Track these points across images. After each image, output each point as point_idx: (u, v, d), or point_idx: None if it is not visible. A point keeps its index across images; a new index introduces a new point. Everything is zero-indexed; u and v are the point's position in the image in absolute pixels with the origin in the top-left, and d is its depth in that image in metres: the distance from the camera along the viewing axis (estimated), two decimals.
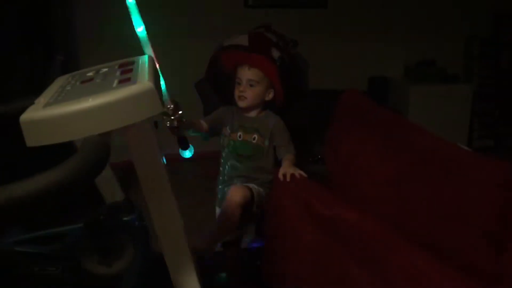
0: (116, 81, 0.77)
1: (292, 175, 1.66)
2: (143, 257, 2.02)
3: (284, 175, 1.69)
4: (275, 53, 2.72)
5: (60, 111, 0.70)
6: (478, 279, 1.08)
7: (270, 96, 1.96)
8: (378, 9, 3.90)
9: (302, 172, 1.69)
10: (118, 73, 0.84)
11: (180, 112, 1.74)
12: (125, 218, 1.91)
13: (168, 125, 1.74)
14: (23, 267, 1.88)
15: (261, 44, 2.64)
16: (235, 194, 1.81)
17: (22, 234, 1.88)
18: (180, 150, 1.91)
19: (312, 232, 1.48)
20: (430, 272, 1.13)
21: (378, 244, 1.26)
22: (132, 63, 0.88)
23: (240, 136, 1.95)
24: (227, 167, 1.99)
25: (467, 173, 1.10)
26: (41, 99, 0.80)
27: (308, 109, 2.78)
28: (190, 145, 1.90)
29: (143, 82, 0.74)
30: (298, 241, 1.58)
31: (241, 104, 1.92)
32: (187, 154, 1.92)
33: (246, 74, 1.91)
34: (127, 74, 0.81)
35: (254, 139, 1.93)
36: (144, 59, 0.90)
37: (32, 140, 0.71)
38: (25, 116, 0.72)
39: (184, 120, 1.77)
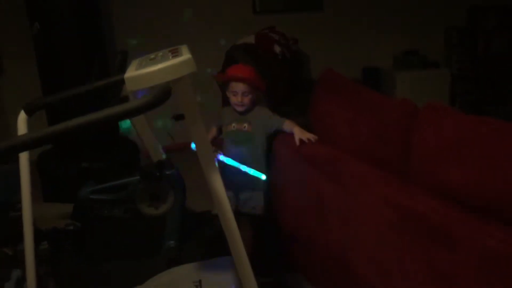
0: (170, 56, 1.45)
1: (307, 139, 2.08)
2: (181, 202, 2.70)
3: (300, 140, 2.09)
4: (277, 48, 3.42)
5: (146, 70, 1.37)
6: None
7: (255, 97, 2.34)
8: (369, 9, 4.53)
9: (314, 136, 2.08)
10: (170, 53, 1.51)
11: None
12: (168, 172, 2.58)
13: None
14: (96, 210, 2.57)
15: (265, 41, 3.33)
16: None
17: (95, 186, 2.57)
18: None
19: (301, 169, 2.14)
20: (370, 175, 1.77)
21: (338, 162, 1.90)
22: (177, 48, 1.56)
23: (234, 127, 2.36)
24: (226, 152, 2.39)
25: (382, 107, 1.76)
26: (129, 70, 1.47)
27: None
28: None
29: (186, 55, 1.42)
30: (292, 178, 2.22)
31: (240, 109, 2.31)
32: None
33: (240, 87, 2.27)
34: (176, 52, 1.48)
35: (244, 127, 2.33)
36: (183, 46, 1.58)
37: (130, 86, 1.38)
38: (127, 75, 1.39)
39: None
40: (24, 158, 1.94)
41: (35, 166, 3.34)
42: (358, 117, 1.92)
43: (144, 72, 1.39)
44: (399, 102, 1.76)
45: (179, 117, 4.65)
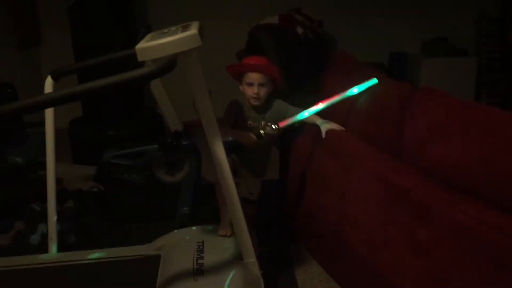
0: (180, 31, 1.58)
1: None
2: (196, 172, 2.85)
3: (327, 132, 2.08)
4: (299, 30, 3.49)
5: (154, 43, 1.51)
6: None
7: (271, 88, 2.22)
8: None
9: (341, 127, 2.08)
10: (180, 28, 1.64)
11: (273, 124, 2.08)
12: (184, 142, 2.73)
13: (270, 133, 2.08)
14: (117, 174, 2.75)
15: (288, 22, 3.40)
16: None
17: (116, 151, 2.76)
18: None
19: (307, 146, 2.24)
20: (365, 153, 1.87)
21: (338, 140, 2.00)
22: (188, 24, 1.68)
23: (250, 124, 2.22)
24: None
25: (381, 88, 1.84)
26: (142, 42, 1.61)
27: None
28: None
29: (192, 30, 1.54)
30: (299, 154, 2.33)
31: (255, 103, 2.19)
32: None
33: (256, 77, 2.16)
34: (186, 28, 1.61)
35: (261, 124, 2.16)
36: (194, 23, 1.70)
37: (141, 56, 1.52)
38: (138, 46, 1.53)
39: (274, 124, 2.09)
40: (49, 121, 2.12)
41: (66, 132, 3.57)
42: (357, 100, 2.01)
43: (152, 44, 1.52)
44: (396, 84, 1.84)
45: None
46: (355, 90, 2.02)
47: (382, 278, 1.72)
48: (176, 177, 2.76)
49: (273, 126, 2.09)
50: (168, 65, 1.45)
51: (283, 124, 2.11)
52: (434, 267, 1.44)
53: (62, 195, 2.92)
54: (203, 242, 2.05)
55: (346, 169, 1.89)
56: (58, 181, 3.03)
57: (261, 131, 2.08)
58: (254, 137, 2.09)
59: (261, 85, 2.17)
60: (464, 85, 4.29)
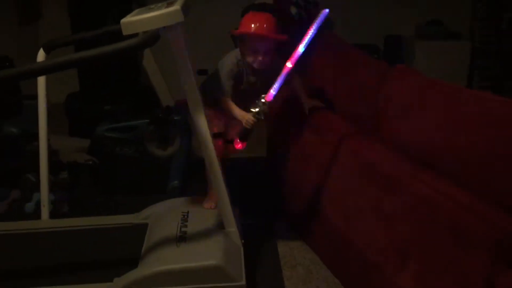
0: (164, 6, 1.65)
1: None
2: (187, 146, 2.94)
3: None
4: (293, 10, 3.53)
5: (138, 17, 1.58)
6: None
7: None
8: None
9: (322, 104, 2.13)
10: (165, 4, 1.70)
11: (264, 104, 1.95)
12: (175, 118, 2.82)
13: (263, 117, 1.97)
14: (110, 147, 2.84)
15: (283, 2, 3.44)
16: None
17: (110, 124, 2.84)
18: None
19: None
20: (342, 129, 1.95)
21: (319, 117, 2.08)
22: (174, 1, 1.74)
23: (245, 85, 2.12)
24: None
25: (360, 68, 1.91)
26: (128, 16, 1.68)
27: None
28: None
29: (175, 6, 1.60)
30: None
31: (261, 67, 2.04)
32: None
33: (263, 45, 2.00)
34: (171, 4, 1.67)
35: (257, 85, 2.09)
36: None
37: (126, 30, 1.59)
38: (123, 20, 1.60)
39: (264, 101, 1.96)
40: (41, 92, 2.20)
41: (63, 106, 3.65)
42: (340, 77, 2.08)
43: (136, 19, 1.60)
44: (373, 63, 1.91)
45: (202, 72, 4.88)
46: (312, 29, 1.94)
47: (353, 248, 1.81)
48: (167, 151, 2.85)
49: (262, 101, 1.97)
50: (149, 39, 1.53)
51: (269, 98, 1.98)
52: (397, 237, 1.53)
53: (57, 166, 3.02)
54: (188, 212, 2.14)
55: (325, 144, 1.97)
56: (54, 153, 3.14)
57: (258, 112, 1.97)
58: (252, 118, 1.98)
59: (267, 53, 2.01)
60: (457, 68, 4.33)
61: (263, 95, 1.97)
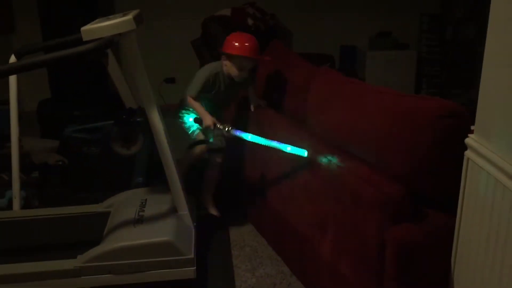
0: (121, 15, 1.92)
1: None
2: (150, 146, 3.19)
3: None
4: (250, 21, 3.84)
5: (95, 26, 1.84)
6: None
7: None
8: None
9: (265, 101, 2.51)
10: (121, 15, 1.97)
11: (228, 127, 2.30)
12: (138, 119, 3.07)
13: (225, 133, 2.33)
14: (77, 147, 3.07)
15: (240, 14, 3.75)
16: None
17: (77, 126, 3.08)
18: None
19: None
20: (278, 123, 2.22)
21: (261, 114, 2.35)
22: (129, 12, 2.01)
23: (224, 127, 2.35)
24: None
25: (297, 71, 2.21)
26: (89, 24, 1.94)
27: None
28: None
29: (128, 16, 1.88)
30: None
31: (240, 80, 2.42)
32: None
33: (251, 64, 2.40)
34: (125, 15, 1.95)
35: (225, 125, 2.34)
36: (134, 11, 2.04)
37: (85, 37, 1.86)
38: (83, 28, 1.87)
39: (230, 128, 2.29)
40: (13, 99, 2.45)
41: (35, 114, 3.88)
42: (281, 80, 2.38)
43: (93, 27, 1.87)
44: (306, 66, 2.21)
45: (169, 80, 5.15)
46: (288, 148, 2.02)
47: (289, 226, 2.09)
48: (131, 150, 3.09)
49: (227, 129, 2.29)
50: (103, 44, 1.80)
51: (233, 133, 2.28)
52: (319, 210, 1.82)
53: (29, 167, 3.25)
54: (146, 199, 2.40)
55: (265, 135, 2.25)
56: (26, 155, 3.36)
57: (219, 125, 2.31)
58: (211, 123, 2.33)
59: (251, 69, 2.41)
60: (405, 76, 4.71)
61: (230, 127, 2.29)
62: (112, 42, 1.83)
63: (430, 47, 4.84)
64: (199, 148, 2.57)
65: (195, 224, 2.30)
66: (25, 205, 2.84)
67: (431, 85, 4.87)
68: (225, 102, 2.62)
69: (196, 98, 2.42)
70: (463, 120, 1.49)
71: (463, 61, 4.75)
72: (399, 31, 4.92)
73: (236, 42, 2.37)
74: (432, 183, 1.57)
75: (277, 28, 4.41)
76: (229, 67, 2.40)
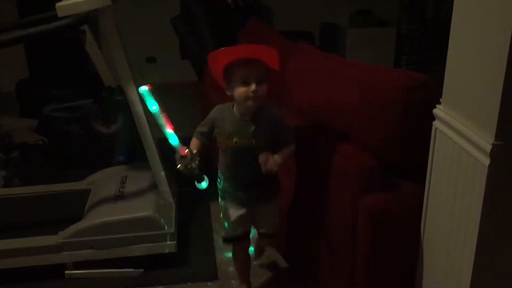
0: None
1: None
2: (129, 124, 3.20)
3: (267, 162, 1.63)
4: None
5: (73, 1, 1.84)
6: None
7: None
8: None
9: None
10: None
11: (198, 159, 1.71)
12: (118, 98, 3.07)
13: (183, 169, 1.70)
14: (57, 126, 3.07)
15: None
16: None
17: (56, 105, 3.07)
18: (196, 184, 1.81)
19: None
20: None
21: None
22: None
23: (236, 142, 1.71)
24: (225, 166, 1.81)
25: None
26: (64, 1, 1.94)
27: None
28: (204, 175, 1.80)
29: None
30: None
31: (254, 104, 1.65)
32: (204, 185, 1.81)
33: (254, 73, 1.63)
34: None
35: (252, 143, 1.69)
36: None
37: (60, 13, 1.85)
38: (58, 4, 1.86)
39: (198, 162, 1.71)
40: None
41: (14, 91, 3.85)
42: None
43: (68, 3, 1.87)
44: (285, 44, 2.22)
45: (151, 59, 5.13)
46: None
47: None
48: (111, 129, 3.10)
49: (194, 164, 1.72)
50: (77, 20, 1.80)
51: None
52: (301, 186, 1.86)
53: (9, 147, 3.24)
54: (126, 176, 2.43)
55: None
56: (6, 135, 3.35)
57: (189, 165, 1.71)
58: (182, 164, 1.71)
59: (260, 81, 1.64)
60: (384, 53, 4.75)
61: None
62: (87, 18, 1.83)
63: (410, 24, 4.87)
64: None
65: (175, 200, 2.34)
66: (5, 185, 2.85)
67: (410, 61, 4.92)
68: None
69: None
70: (432, 91, 1.53)
71: (443, 38, 4.80)
72: (379, 8, 4.95)
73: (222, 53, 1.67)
74: (403, 153, 1.61)
75: (257, 6, 4.41)
76: (234, 95, 1.69)
